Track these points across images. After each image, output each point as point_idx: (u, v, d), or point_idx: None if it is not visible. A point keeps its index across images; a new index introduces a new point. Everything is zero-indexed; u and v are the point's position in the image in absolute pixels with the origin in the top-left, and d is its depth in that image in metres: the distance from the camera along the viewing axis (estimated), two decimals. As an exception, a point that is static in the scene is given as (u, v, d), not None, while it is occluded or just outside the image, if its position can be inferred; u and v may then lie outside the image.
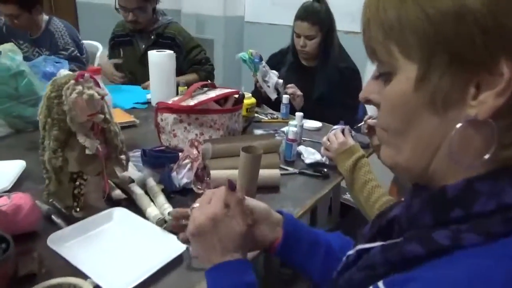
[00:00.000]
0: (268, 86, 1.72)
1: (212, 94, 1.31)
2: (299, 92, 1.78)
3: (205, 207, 0.58)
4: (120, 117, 1.53)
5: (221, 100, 1.42)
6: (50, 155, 0.80)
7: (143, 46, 2.12)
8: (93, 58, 2.58)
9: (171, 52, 1.70)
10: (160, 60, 1.66)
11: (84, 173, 0.85)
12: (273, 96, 1.72)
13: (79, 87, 0.76)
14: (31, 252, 0.75)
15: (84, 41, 2.43)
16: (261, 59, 1.75)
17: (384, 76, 0.41)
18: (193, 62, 2.18)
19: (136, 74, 2.16)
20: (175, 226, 0.69)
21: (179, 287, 0.72)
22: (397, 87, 0.39)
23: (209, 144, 1.07)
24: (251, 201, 0.63)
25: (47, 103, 0.77)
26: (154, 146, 1.30)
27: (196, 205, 0.60)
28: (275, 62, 1.99)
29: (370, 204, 1.06)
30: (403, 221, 0.43)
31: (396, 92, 0.39)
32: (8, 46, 1.33)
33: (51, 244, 0.75)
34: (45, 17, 2.23)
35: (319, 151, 1.27)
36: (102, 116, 0.82)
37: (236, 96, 1.39)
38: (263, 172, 1.06)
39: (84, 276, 0.68)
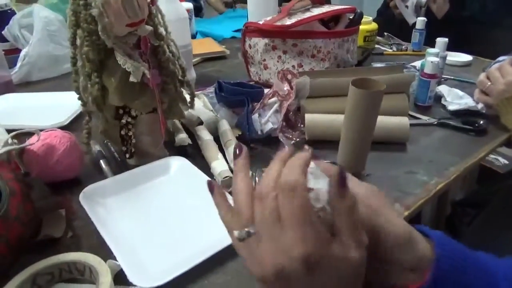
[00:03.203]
0: (407, 7, 1.30)
1: (318, 11, 0.97)
2: None
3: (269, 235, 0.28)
4: (208, 47, 1.31)
5: (331, 23, 1.07)
6: (85, 82, 0.59)
7: None
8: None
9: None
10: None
11: (131, 109, 0.64)
12: (412, 19, 1.31)
13: (111, -19, 0.52)
14: (58, 209, 0.57)
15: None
16: None
17: None
18: None
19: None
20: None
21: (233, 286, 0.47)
22: None
23: (306, 77, 0.76)
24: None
25: (73, 7, 0.55)
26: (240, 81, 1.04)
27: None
28: None
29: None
30: None
31: None
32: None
33: (84, 200, 0.57)
34: None
35: (470, 95, 0.86)
36: (149, 27, 0.58)
37: (351, 15, 1.02)
38: (384, 121, 0.72)
39: (109, 253, 0.48)
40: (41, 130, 0.63)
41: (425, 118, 0.82)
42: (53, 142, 0.61)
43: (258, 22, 0.96)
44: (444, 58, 0.99)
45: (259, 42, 0.96)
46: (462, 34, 1.28)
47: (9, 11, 1.14)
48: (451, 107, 0.84)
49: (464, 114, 0.83)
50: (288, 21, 0.93)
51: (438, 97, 0.90)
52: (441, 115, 0.84)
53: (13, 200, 0.47)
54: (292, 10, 0.98)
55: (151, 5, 0.59)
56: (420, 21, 1.22)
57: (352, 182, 0.30)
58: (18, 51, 1.12)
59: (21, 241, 0.49)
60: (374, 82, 0.59)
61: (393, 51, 1.28)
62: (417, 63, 1.10)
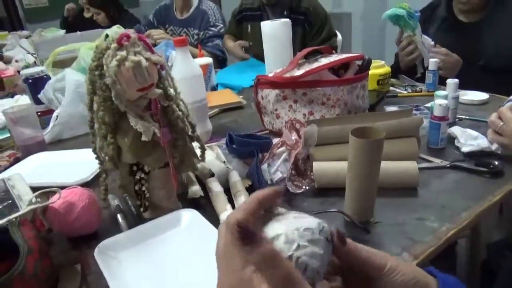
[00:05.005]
0: (425, 47, 1.33)
1: (326, 61, 1.01)
2: (455, 57, 1.32)
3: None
4: (226, 98, 1.36)
5: (341, 71, 1.11)
6: (101, 142, 0.64)
7: None
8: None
9: (286, 20, 1.44)
10: (273, 30, 1.41)
11: (144, 165, 0.68)
12: (428, 59, 1.34)
13: (122, 53, 0.58)
14: (75, 264, 0.61)
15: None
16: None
17: None
18: (320, 42, 1.93)
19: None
20: None
21: None
22: None
23: (314, 125, 0.79)
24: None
25: (90, 76, 0.61)
26: (256, 131, 1.08)
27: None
28: (421, 19, 1.56)
29: None
30: None
31: None
32: (115, 28, 1.29)
33: (98, 255, 0.60)
34: None
35: (485, 135, 0.85)
36: (158, 91, 0.63)
37: (359, 62, 1.05)
38: (391, 166, 0.72)
39: (118, 308, 0.50)
40: (63, 188, 0.68)
41: (437, 161, 0.81)
42: (73, 199, 0.66)
43: (268, 75, 1.01)
44: (456, 98, 0.99)
45: (270, 93, 1.01)
46: (479, 77, 1.29)
47: (44, 76, 1.26)
48: (465, 149, 0.83)
49: (479, 156, 0.81)
50: (297, 72, 0.97)
51: (452, 139, 0.89)
52: (454, 157, 0.83)
53: (31, 258, 0.50)
54: (301, 61, 1.03)
55: (161, 70, 0.64)
56: (433, 62, 1.23)
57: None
58: (51, 112, 1.22)
59: (38, 297, 0.52)
60: (374, 130, 0.60)
61: (408, 92, 1.29)
62: (431, 104, 1.10)
